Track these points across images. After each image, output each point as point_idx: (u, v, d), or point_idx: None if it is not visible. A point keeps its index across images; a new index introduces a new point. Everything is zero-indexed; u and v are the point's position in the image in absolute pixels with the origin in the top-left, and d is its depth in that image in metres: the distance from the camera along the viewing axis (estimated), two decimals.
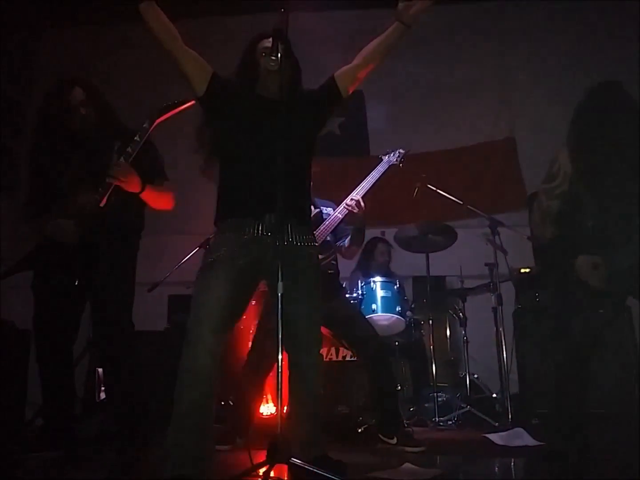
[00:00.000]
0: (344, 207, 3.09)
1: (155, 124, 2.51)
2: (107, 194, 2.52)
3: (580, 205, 2.55)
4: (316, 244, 2.31)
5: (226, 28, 5.59)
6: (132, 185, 2.56)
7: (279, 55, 2.07)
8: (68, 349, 2.70)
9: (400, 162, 3.41)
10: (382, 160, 3.38)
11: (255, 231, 2.09)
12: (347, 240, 3.21)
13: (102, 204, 2.51)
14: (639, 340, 3.88)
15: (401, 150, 3.44)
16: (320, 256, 2.79)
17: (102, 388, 3.76)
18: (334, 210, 3.18)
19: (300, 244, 2.19)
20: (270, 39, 2.18)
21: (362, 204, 3.08)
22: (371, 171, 3.29)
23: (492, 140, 5.60)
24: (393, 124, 5.78)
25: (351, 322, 3.10)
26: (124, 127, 2.77)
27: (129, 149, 2.50)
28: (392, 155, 3.41)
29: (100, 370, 3.78)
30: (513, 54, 5.61)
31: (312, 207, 3.12)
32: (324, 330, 3.04)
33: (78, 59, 5.48)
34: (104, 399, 3.73)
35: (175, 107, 2.47)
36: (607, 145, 2.49)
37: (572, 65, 5.08)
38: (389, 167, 3.36)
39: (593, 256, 2.41)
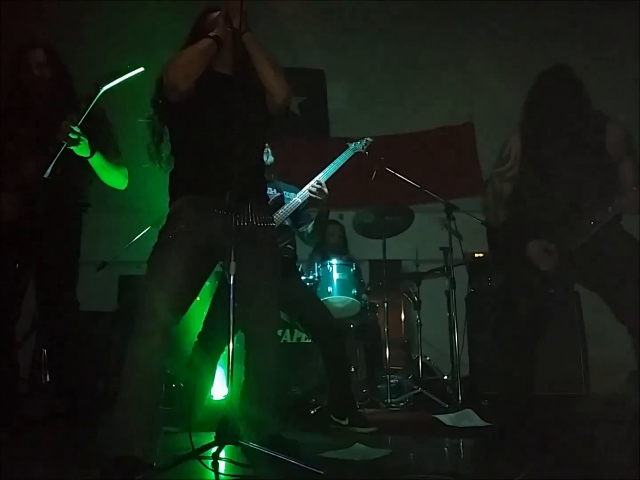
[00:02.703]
0: (307, 192, 3.07)
1: (102, 91, 2.41)
2: (53, 163, 2.39)
3: (530, 188, 2.59)
4: (274, 225, 2.28)
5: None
6: (82, 147, 2.44)
7: (233, 26, 2.01)
8: (10, 327, 2.59)
9: (366, 150, 3.42)
10: (348, 147, 3.38)
11: (215, 209, 2.04)
12: (310, 226, 3.18)
13: (46, 175, 2.38)
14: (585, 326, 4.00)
15: (369, 139, 3.45)
16: (278, 240, 2.79)
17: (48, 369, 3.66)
18: (296, 194, 3.14)
19: (259, 224, 2.15)
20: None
21: (325, 189, 3.06)
22: (335, 157, 3.27)
23: (451, 125, 5.65)
24: (353, 105, 5.76)
25: (306, 304, 3.09)
26: (74, 93, 2.66)
27: (74, 117, 2.39)
28: (358, 143, 3.41)
29: (45, 351, 3.67)
30: (473, 39, 5.65)
31: (275, 190, 3.09)
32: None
33: (39, 26, 5.23)
34: (49, 380, 3.63)
35: (123, 75, 2.37)
36: (555, 128, 2.53)
37: (532, 51, 5.14)
38: (354, 154, 3.36)
39: (544, 241, 2.46)
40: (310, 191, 3.05)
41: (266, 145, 2.91)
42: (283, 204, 3.07)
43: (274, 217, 2.95)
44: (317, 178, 3.10)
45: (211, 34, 2.05)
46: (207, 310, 3.06)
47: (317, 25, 5.65)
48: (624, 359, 3.68)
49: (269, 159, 3.09)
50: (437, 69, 5.66)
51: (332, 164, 3.21)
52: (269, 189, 3.08)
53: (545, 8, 5.38)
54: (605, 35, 5.17)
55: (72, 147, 2.41)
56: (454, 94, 5.65)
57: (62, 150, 2.38)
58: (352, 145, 3.38)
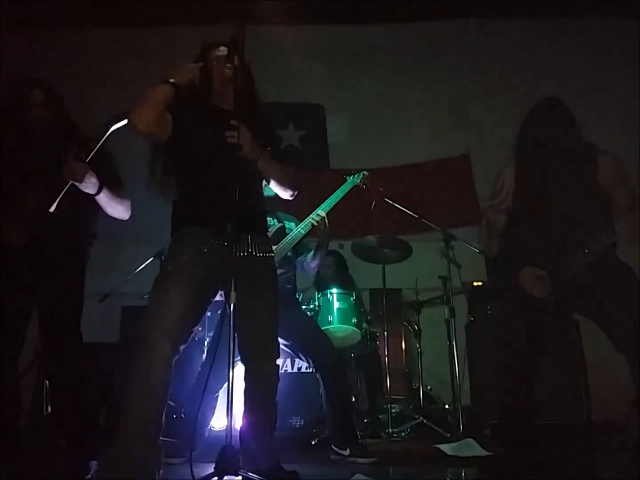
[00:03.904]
0: (310, 222, 3.14)
1: (111, 130, 2.48)
2: (60, 197, 2.45)
3: (523, 219, 2.64)
4: (273, 255, 2.32)
5: (177, 39, 5.56)
6: (88, 185, 2.51)
7: (234, 63, 2.09)
8: (13, 360, 2.61)
9: (364, 184, 3.52)
10: (346, 180, 3.47)
11: (216, 240, 2.08)
12: (309, 256, 3.24)
13: (52, 209, 2.44)
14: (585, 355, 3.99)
15: (365, 172, 3.55)
16: (281, 270, 2.83)
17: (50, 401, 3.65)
18: (296, 224, 3.22)
19: (259, 254, 2.19)
20: (222, 48, 2.20)
21: (326, 221, 3.15)
22: (335, 189, 3.36)
23: (448, 157, 5.73)
24: (352, 138, 5.87)
25: (308, 333, 3.11)
26: (81, 133, 2.73)
27: (82, 155, 2.46)
28: (356, 176, 3.51)
29: (47, 382, 3.66)
30: (469, 72, 5.77)
31: (276, 221, 3.15)
32: (280, 341, 3.04)
33: (36, 64, 5.36)
34: (51, 411, 3.62)
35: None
36: (547, 160, 2.58)
37: (526, 83, 5.24)
38: (353, 187, 3.45)
39: (536, 269, 2.49)
40: (313, 221, 3.13)
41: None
42: (285, 234, 3.13)
43: (278, 247, 3.02)
44: (317, 210, 3.18)
45: (171, 80, 2.09)
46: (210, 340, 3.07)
47: (317, 61, 5.79)
48: (625, 387, 3.68)
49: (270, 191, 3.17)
50: (433, 101, 5.77)
51: (331, 197, 3.29)
52: (269, 219, 3.15)
53: (540, 41, 5.51)
54: (602, 61, 5.28)
55: (78, 185, 2.47)
56: (450, 126, 5.74)
57: (67, 187, 2.44)
58: (350, 179, 3.48)
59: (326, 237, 3.18)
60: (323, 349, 3.04)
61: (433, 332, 4.50)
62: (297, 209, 3.38)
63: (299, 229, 3.15)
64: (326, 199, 3.28)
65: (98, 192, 2.56)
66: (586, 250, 2.45)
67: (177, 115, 2.17)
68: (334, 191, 3.35)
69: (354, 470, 2.43)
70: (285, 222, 3.23)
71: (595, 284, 2.42)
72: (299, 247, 3.24)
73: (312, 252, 3.23)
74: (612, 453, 3.06)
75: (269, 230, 3.07)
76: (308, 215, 3.19)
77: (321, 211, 3.18)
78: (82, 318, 2.68)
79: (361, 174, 3.52)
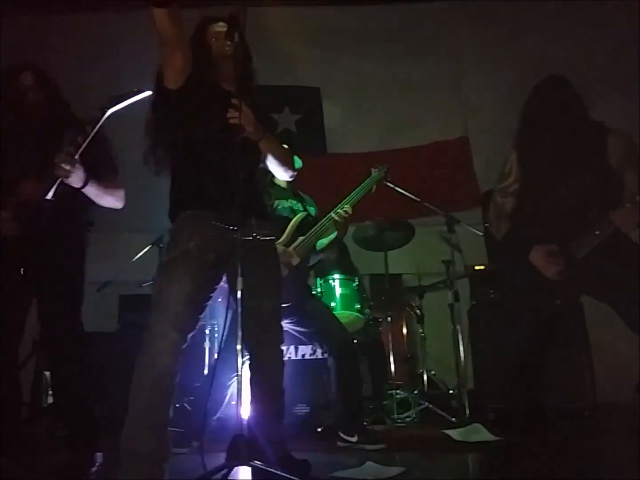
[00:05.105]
0: (336, 216, 3.08)
1: (107, 114, 2.40)
2: (57, 184, 2.37)
3: (532, 201, 2.59)
4: (275, 239, 2.27)
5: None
6: (74, 180, 2.42)
7: (235, 40, 2.01)
8: (13, 350, 2.55)
9: (387, 178, 3.45)
10: (371, 173, 3.39)
11: (221, 225, 2.02)
12: (319, 245, 3.20)
13: (49, 196, 2.36)
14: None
15: (387, 166, 3.47)
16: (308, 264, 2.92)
17: (50, 392, 3.60)
18: (315, 209, 3.22)
19: (263, 239, 2.14)
20: (221, 24, 2.12)
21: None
22: (361, 183, 3.30)
23: (447, 139, 5.67)
24: (349, 122, 5.78)
25: (322, 319, 3.09)
26: (74, 116, 2.65)
27: (79, 139, 2.38)
28: (380, 169, 3.41)
29: (47, 373, 3.61)
30: (467, 53, 5.68)
31: (300, 205, 3.15)
32: (292, 328, 3.01)
33: (30, 48, 5.24)
34: (51, 402, 3.57)
35: (129, 98, 2.36)
36: (553, 140, 2.53)
37: (526, 64, 5.16)
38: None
39: (547, 245, 2.44)
40: (339, 216, 3.07)
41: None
42: (310, 224, 3.11)
43: (306, 239, 3.03)
44: (342, 204, 3.13)
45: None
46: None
47: (313, 43, 5.69)
48: (630, 368, 3.67)
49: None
50: (431, 83, 5.69)
51: (356, 191, 3.24)
52: (296, 202, 3.11)
53: (540, 17, 5.42)
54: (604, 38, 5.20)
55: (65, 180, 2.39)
56: (449, 108, 5.67)
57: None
58: (375, 173, 3.38)
59: (344, 232, 3.14)
60: (337, 335, 3.03)
61: (436, 317, 4.48)
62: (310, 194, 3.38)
63: (325, 222, 3.10)
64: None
65: (83, 186, 2.48)
66: (596, 232, 2.40)
67: (189, 93, 2.08)
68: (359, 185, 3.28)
69: (364, 458, 2.40)
70: (308, 206, 3.21)
71: (607, 265, 2.38)
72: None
73: (323, 241, 3.18)
74: (618, 436, 3.04)
75: (297, 219, 3.06)
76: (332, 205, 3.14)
77: (347, 206, 3.12)
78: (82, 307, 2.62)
79: (385, 167, 3.44)
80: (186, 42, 2.02)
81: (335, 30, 5.80)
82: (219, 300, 3.32)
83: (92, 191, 2.52)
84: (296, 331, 3.06)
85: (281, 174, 2.44)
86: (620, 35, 5.07)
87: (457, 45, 5.73)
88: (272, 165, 2.31)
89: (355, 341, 3.96)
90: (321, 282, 3.77)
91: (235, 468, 1.79)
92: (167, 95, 2.07)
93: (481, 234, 4.06)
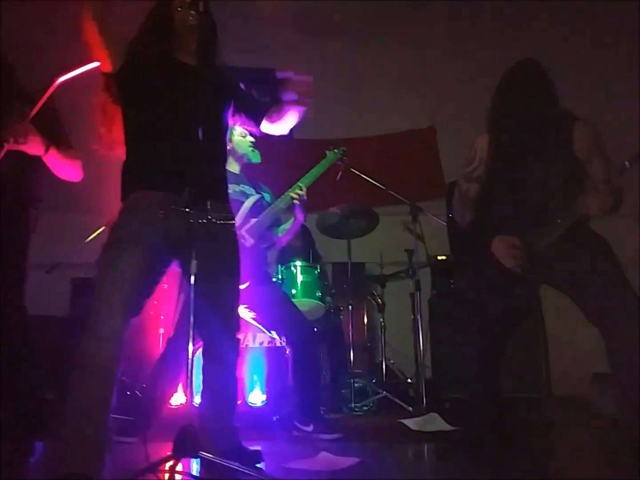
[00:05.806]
0: (290, 196, 3.05)
1: (55, 84, 2.26)
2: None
3: (495, 188, 2.56)
4: (234, 223, 2.18)
5: None
6: (33, 146, 2.28)
7: (200, 10, 1.91)
8: None
9: (343, 160, 3.43)
10: (326, 155, 3.36)
11: (172, 205, 1.92)
12: (281, 230, 3.19)
13: None
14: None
15: (344, 148, 3.45)
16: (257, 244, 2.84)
17: None
18: (270, 196, 3.16)
19: (219, 221, 2.05)
20: None
21: (305, 196, 3.09)
22: (315, 164, 3.28)
23: (413, 129, 5.64)
24: (316, 109, 5.69)
25: (281, 307, 3.05)
26: (23, 88, 2.49)
27: (26, 110, 2.24)
28: (336, 151, 3.38)
29: None
30: (434, 43, 5.65)
31: (254, 191, 3.07)
32: (249, 315, 2.94)
33: None
34: None
35: (77, 68, 2.22)
36: (520, 126, 2.49)
37: (494, 54, 5.16)
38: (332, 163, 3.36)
39: (509, 236, 2.42)
40: (292, 196, 3.04)
41: (252, 143, 2.98)
42: (263, 207, 3.07)
43: (258, 221, 2.98)
44: (297, 184, 3.10)
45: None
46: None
47: (281, 28, 5.57)
48: (586, 360, 3.72)
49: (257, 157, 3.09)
50: (398, 72, 5.65)
51: (311, 172, 3.21)
52: (248, 187, 3.02)
53: (506, 8, 5.42)
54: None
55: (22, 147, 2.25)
56: (417, 97, 5.63)
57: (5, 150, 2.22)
58: (330, 154, 3.35)
59: (303, 212, 3.11)
60: (296, 323, 2.99)
61: (397, 306, 4.46)
62: (262, 180, 3.29)
63: (279, 203, 3.03)
64: (298, 170, 3.18)
65: (46, 152, 2.34)
66: (559, 220, 2.38)
67: (137, 69, 1.98)
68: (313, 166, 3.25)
69: (319, 448, 2.35)
70: (263, 192, 3.15)
71: (569, 255, 2.37)
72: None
73: (284, 227, 3.14)
74: (574, 426, 3.08)
75: (250, 201, 2.98)
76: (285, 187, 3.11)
77: (301, 185, 3.09)
78: (27, 290, 2.49)
79: (341, 149, 3.41)
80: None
81: (305, 17, 5.70)
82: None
83: (53, 159, 2.38)
84: (254, 319, 2.99)
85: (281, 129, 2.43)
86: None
87: (427, 36, 5.70)
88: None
89: (315, 329, 3.94)
90: (282, 268, 3.69)
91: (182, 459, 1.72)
92: (124, 88, 2.01)
93: (444, 223, 4.04)
